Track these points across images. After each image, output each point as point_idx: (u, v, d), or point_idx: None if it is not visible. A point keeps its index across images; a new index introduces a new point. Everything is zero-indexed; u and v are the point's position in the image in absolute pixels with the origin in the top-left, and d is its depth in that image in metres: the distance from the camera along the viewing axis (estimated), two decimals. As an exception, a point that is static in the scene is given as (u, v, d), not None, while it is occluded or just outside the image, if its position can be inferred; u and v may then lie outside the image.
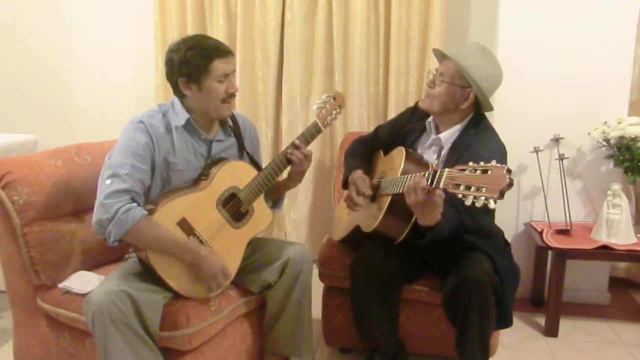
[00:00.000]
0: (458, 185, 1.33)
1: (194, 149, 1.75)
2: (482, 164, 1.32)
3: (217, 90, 1.68)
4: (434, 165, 1.49)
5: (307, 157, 1.85)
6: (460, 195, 1.32)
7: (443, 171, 1.41)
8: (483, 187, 1.27)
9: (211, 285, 1.67)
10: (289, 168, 1.87)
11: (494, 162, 1.30)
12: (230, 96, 1.72)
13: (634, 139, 2.35)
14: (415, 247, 1.77)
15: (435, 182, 1.44)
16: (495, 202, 1.25)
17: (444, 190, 1.41)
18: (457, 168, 1.37)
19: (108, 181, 1.57)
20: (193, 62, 1.63)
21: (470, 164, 1.34)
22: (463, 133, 1.87)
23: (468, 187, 1.30)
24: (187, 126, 1.73)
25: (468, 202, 1.29)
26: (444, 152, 1.88)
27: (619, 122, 2.38)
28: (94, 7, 3.16)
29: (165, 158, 1.69)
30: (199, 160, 1.77)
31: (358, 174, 1.94)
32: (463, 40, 2.80)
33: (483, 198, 1.26)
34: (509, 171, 1.26)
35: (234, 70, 1.73)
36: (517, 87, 2.51)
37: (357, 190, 1.88)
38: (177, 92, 1.72)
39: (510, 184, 1.24)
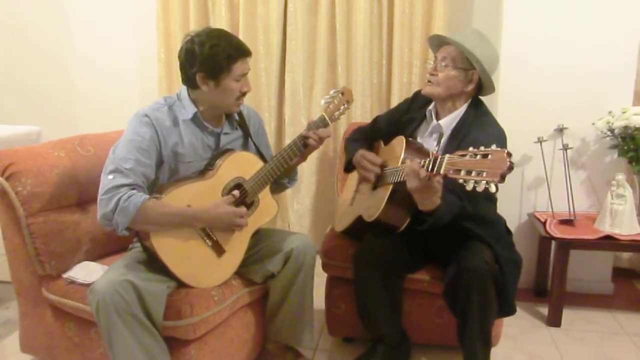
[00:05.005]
0: (459, 171, 1.33)
1: (202, 141, 1.76)
2: (482, 148, 1.32)
3: (233, 89, 1.70)
4: (434, 152, 1.49)
5: (322, 140, 1.86)
6: (461, 181, 1.31)
7: (443, 157, 1.41)
8: (484, 171, 1.27)
9: (235, 230, 1.71)
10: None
11: (494, 147, 1.30)
12: (243, 94, 1.74)
13: (638, 129, 2.33)
14: (417, 236, 1.77)
15: (435, 169, 1.44)
16: (496, 186, 1.24)
17: (445, 176, 1.41)
18: (458, 154, 1.37)
19: (110, 176, 1.58)
20: (217, 61, 1.63)
21: (471, 149, 1.34)
22: (463, 119, 1.87)
23: (469, 172, 1.30)
24: (195, 119, 1.74)
25: (469, 187, 1.29)
26: (444, 138, 1.87)
27: (624, 112, 2.37)
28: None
29: (174, 150, 1.70)
30: (207, 152, 1.78)
31: (361, 151, 1.96)
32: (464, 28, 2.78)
33: (484, 182, 1.26)
34: (509, 154, 1.26)
35: (249, 69, 1.74)
36: (521, 76, 2.50)
37: (368, 160, 1.90)
38: (191, 84, 1.71)
39: (510, 167, 1.24)
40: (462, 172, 1.32)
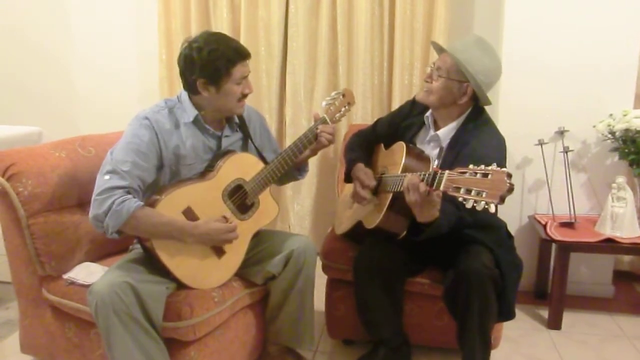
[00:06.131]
0: (458, 189, 1.34)
1: (203, 144, 1.76)
2: (482, 167, 1.32)
3: (235, 92, 1.69)
4: (435, 166, 1.48)
5: (333, 136, 1.87)
6: (460, 199, 1.32)
7: (443, 173, 1.41)
8: (483, 191, 1.27)
9: (225, 245, 1.70)
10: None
11: (494, 166, 1.30)
12: (244, 96, 1.74)
13: (639, 132, 2.33)
14: (417, 242, 1.77)
15: (435, 184, 1.44)
16: (495, 206, 1.25)
17: (445, 193, 1.41)
18: (458, 171, 1.37)
19: (107, 177, 1.57)
20: (217, 66, 1.63)
21: (471, 166, 1.34)
22: (462, 128, 1.85)
23: (468, 191, 1.31)
24: (196, 122, 1.74)
25: (468, 205, 1.30)
26: (444, 151, 1.86)
27: (625, 115, 2.37)
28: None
29: (175, 152, 1.70)
30: (208, 154, 1.78)
31: (360, 167, 1.94)
32: (468, 32, 2.78)
33: (483, 202, 1.26)
34: (509, 176, 1.26)
35: (249, 72, 1.74)
36: (522, 79, 2.50)
37: (361, 183, 1.88)
38: (192, 90, 1.71)
39: (510, 189, 1.25)
40: (462, 190, 1.32)
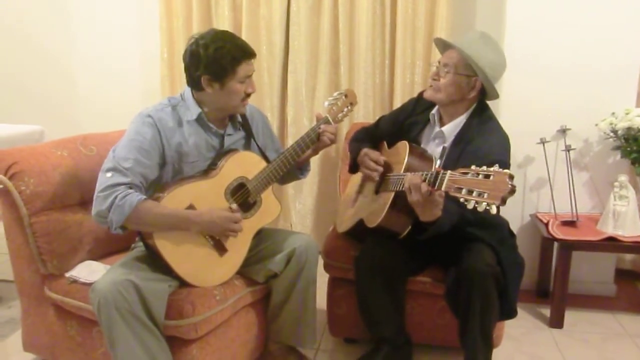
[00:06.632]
0: (460, 189, 1.34)
1: (206, 142, 1.77)
2: (484, 168, 1.32)
3: (238, 91, 1.70)
4: (437, 166, 1.48)
5: (335, 135, 1.88)
6: (462, 199, 1.32)
7: (445, 173, 1.41)
8: (485, 192, 1.27)
9: (228, 237, 1.70)
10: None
11: (496, 167, 1.30)
12: (247, 95, 1.74)
13: (641, 130, 2.33)
14: (419, 240, 1.77)
15: (437, 184, 1.44)
16: (497, 208, 1.25)
17: (446, 193, 1.41)
18: (460, 171, 1.37)
19: (108, 174, 1.58)
20: (222, 63, 1.64)
21: (473, 167, 1.34)
22: (466, 125, 1.85)
23: (470, 192, 1.31)
24: (199, 120, 1.75)
25: (470, 206, 1.30)
26: (447, 148, 1.86)
27: (627, 113, 2.36)
28: (97, -1, 3.18)
29: (178, 150, 1.71)
30: (210, 152, 1.79)
31: (365, 150, 1.95)
32: (470, 30, 2.77)
33: (485, 203, 1.26)
34: (511, 177, 1.26)
35: (254, 71, 1.74)
36: (524, 77, 2.50)
37: (371, 158, 1.89)
38: (196, 86, 1.71)
39: (512, 191, 1.25)
40: (464, 191, 1.32)
